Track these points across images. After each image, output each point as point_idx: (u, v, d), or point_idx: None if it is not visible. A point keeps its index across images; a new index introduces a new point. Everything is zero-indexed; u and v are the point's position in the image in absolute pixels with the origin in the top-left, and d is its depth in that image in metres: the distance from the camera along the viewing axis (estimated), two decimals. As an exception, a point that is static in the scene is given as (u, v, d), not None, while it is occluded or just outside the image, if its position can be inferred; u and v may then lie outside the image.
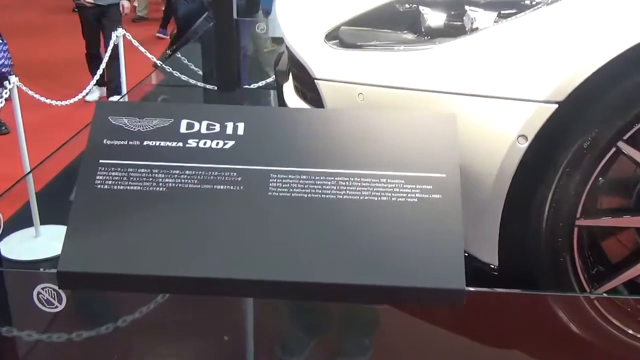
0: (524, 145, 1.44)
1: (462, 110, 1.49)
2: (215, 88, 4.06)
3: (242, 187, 1.39)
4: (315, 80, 1.76)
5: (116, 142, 1.46)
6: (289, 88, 2.12)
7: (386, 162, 1.41)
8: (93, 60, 4.87)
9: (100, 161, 1.43)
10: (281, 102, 2.16)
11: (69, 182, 2.59)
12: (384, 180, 1.40)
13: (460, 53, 1.53)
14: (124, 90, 4.37)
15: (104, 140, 1.46)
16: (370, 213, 1.35)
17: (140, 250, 1.31)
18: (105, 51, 4.42)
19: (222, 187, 1.39)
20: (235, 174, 1.41)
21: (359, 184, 1.39)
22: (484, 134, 1.47)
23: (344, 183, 1.39)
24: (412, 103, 1.56)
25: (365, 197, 1.38)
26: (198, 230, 1.33)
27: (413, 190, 1.38)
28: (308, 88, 1.85)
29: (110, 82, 5.04)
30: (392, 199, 1.37)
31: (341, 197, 1.38)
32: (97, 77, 4.26)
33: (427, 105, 1.53)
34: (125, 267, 1.30)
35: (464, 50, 1.53)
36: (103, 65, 4.32)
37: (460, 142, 1.44)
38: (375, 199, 1.37)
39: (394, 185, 1.39)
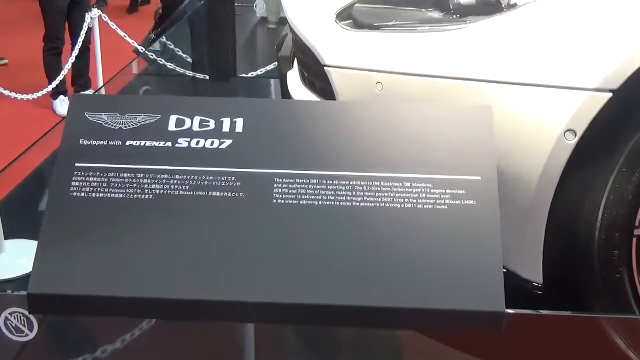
0: (573, 141, 1.43)
1: (500, 101, 1.49)
2: (207, 78, 4.08)
3: (241, 194, 1.39)
4: (325, 68, 1.76)
5: (94, 142, 1.46)
6: (294, 77, 2.12)
7: (410, 163, 1.41)
8: (53, 58, 4.87)
9: (76, 164, 1.43)
10: (285, 93, 2.17)
11: (37, 189, 2.60)
12: (408, 184, 1.39)
13: (496, 34, 1.53)
14: (101, 82, 4.40)
15: (81, 140, 1.46)
16: (392, 223, 1.35)
17: (124, 269, 1.31)
18: (72, 46, 4.45)
19: (218, 194, 1.39)
20: (233, 178, 1.41)
21: (379, 189, 1.39)
22: (525, 129, 1.47)
23: (360, 188, 1.39)
24: (440, 93, 1.56)
25: (386, 205, 1.37)
26: (190, 246, 1.34)
27: (442, 196, 1.38)
28: (317, 77, 1.85)
29: (79, 79, 5.06)
30: (418, 206, 1.37)
31: (358, 204, 1.37)
32: (60, 77, 4.28)
33: (458, 96, 1.53)
34: (106, 289, 1.30)
35: (500, 30, 1.53)
36: (72, 60, 4.34)
37: (497, 139, 1.44)
38: (398, 206, 1.37)
39: (420, 190, 1.39)
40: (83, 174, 1.42)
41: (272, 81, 4.04)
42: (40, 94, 4.28)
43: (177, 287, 1.30)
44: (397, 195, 1.38)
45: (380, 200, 1.38)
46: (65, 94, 5.03)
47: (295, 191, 1.39)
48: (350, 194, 1.39)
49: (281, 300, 1.29)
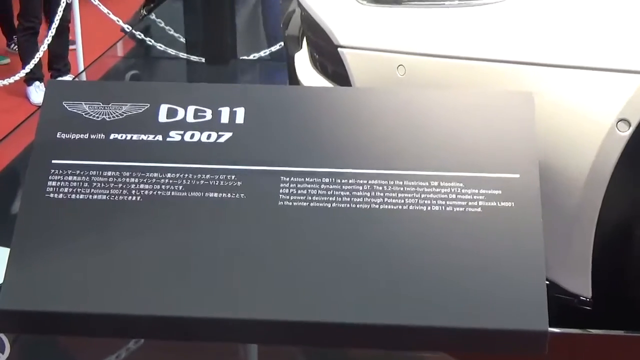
0: (626, 132, 1.42)
1: (542, 87, 1.48)
2: (203, 60, 4.09)
3: (242, 195, 1.39)
4: (338, 49, 1.77)
5: (74, 136, 1.46)
6: (302, 59, 2.13)
7: (438, 159, 1.41)
8: (30, 39, 4.88)
9: (53, 161, 1.43)
10: (292, 78, 2.17)
11: (8, 189, 2.60)
12: (436, 183, 1.39)
13: (538, 9, 1.52)
14: (81, 66, 4.41)
15: (58, 133, 1.46)
16: (416, 229, 1.35)
17: (107, 282, 1.31)
18: (48, 24, 4.45)
19: (215, 195, 1.39)
20: (233, 177, 1.41)
21: (402, 188, 1.39)
22: (571, 119, 1.46)
23: (380, 188, 1.39)
24: (472, 78, 1.56)
25: (410, 207, 1.37)
26: (183, 255, 1.34)
27: (475, 197, 1.37)
28: (329, 59, 1.86)
29: (56, 62, 5.07)
30: (447, 208, 1.36)
31: (377, 207, 1.37)
32: (35, 60, 4.29)
33: (493, 81, 1.53)
34: (88, 305, 1.30)
35: (542, 5, 1.52)
36: (48, 40, 4.35)
37: (538, 131, 1.43)
38: (424, 209, 1.37)
39: (449, 190, 1.38)
40: (61, 172, 1.42)
41: (278, 64, 4.03)
42: (12, 80, 4.30)
43: (168, 303, 1.29)
44: (423, 196, 1.38)
45: (403, 202, 1.37)
46: (40, 79, 5.05)
47: (305, 192, 1.39)
48: (369, 194, 1.38)
49: (289, 318, 1.28)
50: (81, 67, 4.68)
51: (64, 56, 5.09)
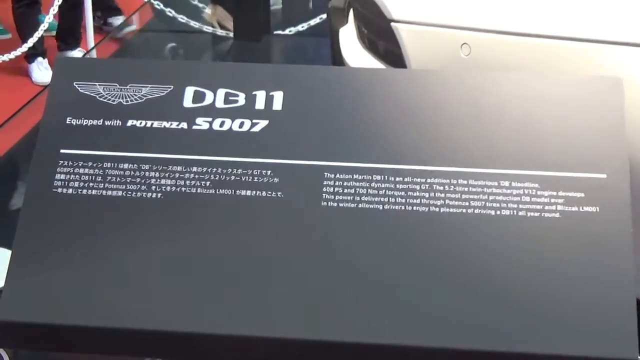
0: None
1: (634, 71, 1.45)
2: (230, 35, 4.10)
3: (279, 194, 1.39)
4: (392, 24, 1.77)
5: (86, 122, 1.46)
6: (348, 35, 2.13)
7: (509, 155, 1.39)
8: (29, 9, 4.91)
9: (62, 151, 1.43)
10: (336, 57, 2.17)
11: (9, 183, 2.62)
12: (506, 183, 1.38)
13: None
14: (91, 41, 4.44)
15: (68, 119, 1.46)
16: (483, 237, 1.34)
17: (122, 292, 1.32)
18: None
19: (248, 193, 1.39)
20: (269, 172, 1.40)
21: (466, 189, 1.38)
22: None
23: (441, 188, 1.38)
24: (550, 60, 1.55)
25: (476, 211, 1.36)
26: (209, 264, 1.34)
27: (553, 200, 1.36)
28: (380, 35, 1.85)
29: (66, 36, 5.10)
30: (519, 213, 1.35)
31: (437, 210, 1.36)
32: (39, 33, 4.31)
33: (575, 64, 1.53)
34: (99, 318, 1.31)
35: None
36: (54, 10, 4.37)
37: (628, 124, 1.41)
38: (492, 213, 1.35)
39: (522, 192, 1.37)
40: (70, 163, 1.42)
41: (319, 40, 4.02)
42: (12, 55, 4.34)
43: (193, 319, 1.30)
44: (491, 198, 1.37)
45: (467, 204, 1.37)
46: (44, 54, 5.09)
47: (352, 191, 1.38)
48: (427, 195, 1.37)
49: (334, 338, 1.28)
50: (91, 42, 4.71)
51: (76, 29, 5.12)
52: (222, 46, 4.05)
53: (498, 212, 1.35)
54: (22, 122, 2.84)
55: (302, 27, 4.16)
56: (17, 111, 2.85)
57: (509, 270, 1.31)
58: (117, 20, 5.27)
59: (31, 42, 4.48)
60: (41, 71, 5.01)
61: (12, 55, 4.34)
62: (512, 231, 1.33)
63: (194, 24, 4.29)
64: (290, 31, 4.15)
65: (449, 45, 1.66)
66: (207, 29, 4.28)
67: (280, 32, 4.13)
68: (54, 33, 5.17)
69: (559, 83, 1.45)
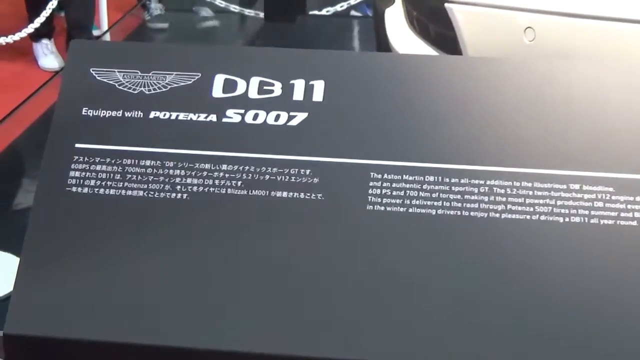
0: None
1: None
2: (260, 15, 4.10)
3: (319, 196, 1.39)
4: (445, 4, 1.78)
5: (104, 113, 1.47)
6: (396, 17, 2.13)
7: (581, 155, 1.39)
8: None
9: (77, 145, 1.44)
10: (381, 42, 2.17)
11: (10, 179, 2.62)
12: (577, 186, 1.37)
13: None
14: (105, 23, 4.45)
15: (83, 109, 1.47)
16: (549, 247, 1.33)
17: (142, 304, 1.32)
18: None
19: (284, 194, 1.39)
20: (308, 171, 1.40)
21: (531, 192, 1.37)
22: None
23: (502, 191, 1.37)
24: (628, 47, 1.53)
25: (542, 218, 1.35)
26: (241, 273, 1.34)
27: (630, 207, 1.35)
28: (432, 17, 1.87)
29: (74, 20, 5.11)
30: (591, 220, 1.34)
31: (497, 216, 1.35)
32: (47, 12, 4.34)
33: None
34: (115, 332, 1.31)
35: None
36: None
37: None
38: (560, 220, 1.35)
39: (594, 197, 1.36)
40: (86, 159, 1.43)
41: (361, 22, 4.01)
42: (17, 37, 4.36)
43: (223, 336, 1.29)
44: (559, 203, 1.36)
45: (531, 210, 1.36)
46: (49, 35, 5.08)
47: (402, 193, 1.38)
48: (487, 199, 1.37)
49: None
50: (105, 23, 4.74)
51: (86, 14, 5.09)
52: (250, 28, 4.06)
53: (567, 219, 1.34)
54: (25, 112, 2.85)
55: (341, 6, 4.16)
56: (18, 105, 2.87)
57: (580, 284, 1.30)
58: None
59: (38, 22, 4.51)
60: (46, 55, 5.02)
61: (17, 37, 4.37)
62: (583, 241, 1.33)
63: (219, 2, 4.30)
64: (327, 11, 4.15)
65: (511, 29, 1.66)
66: (234, 8, 4.28)
67: (316, 12, 4.13)
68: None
69: (638, 73, 1.44)
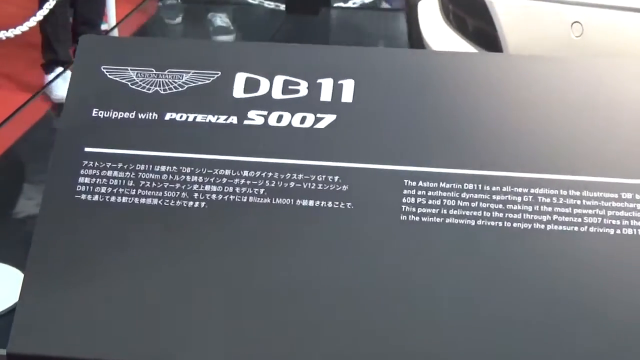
0: None
1: None
2: (282, 7, 4.11)
3: (349, 205, 1.39)
4: None
5: (115, 115, 1.47)
6: (430, 10, 2.14)
7: (634, 161, 1.38)
8: None
9: (86, 149, 1.45)
10: (414, 37, 2.17)
11: (10, 186, 2.64)
12: (629, 195, 1.36)
13: None
14: (113, 18, 4.47)
15: (94, 111, 1.48)
16: (600, 261, 1.32)
17: (156, 322, 1.32)
18: None
19: (311, 203, 1.39)
20: (336, 178, 1.41)
21: (579, 202, 1.37)
22: None
23: (547, 200, 1.37)
24: None
25: (591, 230, 1.34)
26: (264, 288, 1.34)
27: None
28: (470, 10, 1.87)
29: (83, 16, 5.14)
30: None
31: (542, 227, 1.35)
32: (44, 12, 4.34)
33: None
34: (125, 351, 1.31)
35: None
36: None
37: None
38: (611, 232, 1.34)
39: None
40: (96, 164, 1.43)
41: (391, 15, 4.01)
42: (18, 31, 4.37)
43: (242, 355, 1.30)
44: (610, 213, 1.36)
45: (580, 221, 1.35)
46: (64, 62, 5.09)
47: (439, 202, 1.38)
48: (531, 209, 1.36)
49: None
50: (113, 18, 4.76)
51: (96, 12, 5.12)
52: (271, 22, 4.06)
53: (618, 231, 1.34)
54: (25, 115, 2.87)
55: (369, -2, 4.17)
56: (18, 108, 2.89)
57: (633, 301, 1.29)
58: None
59: (46, 8, 4.48)
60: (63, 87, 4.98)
61: (18, 30, 4.37)
62: (635, 254, 1.32)
63: (237, -7, 4.32)
64: (354, 3, 4.15)
65: (557, 24, 1.66)
66: (253, 0, 4.30)
67: (341, 4, 4.13)
68: None
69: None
